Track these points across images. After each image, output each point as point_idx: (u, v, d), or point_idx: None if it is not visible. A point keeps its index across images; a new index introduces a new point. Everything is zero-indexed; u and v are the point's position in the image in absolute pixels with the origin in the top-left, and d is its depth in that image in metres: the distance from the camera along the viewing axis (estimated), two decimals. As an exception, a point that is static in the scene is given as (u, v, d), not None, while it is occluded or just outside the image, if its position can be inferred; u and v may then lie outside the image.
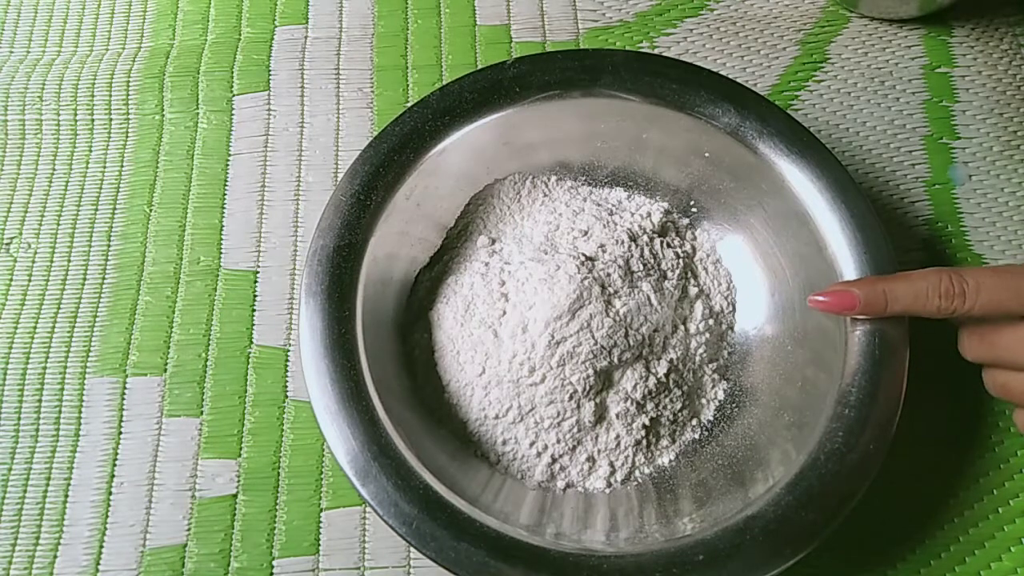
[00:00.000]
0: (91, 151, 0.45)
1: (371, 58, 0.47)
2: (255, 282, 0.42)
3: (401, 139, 0.37)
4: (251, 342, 0.41)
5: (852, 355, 0.34)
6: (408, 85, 0.46)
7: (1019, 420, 0.35)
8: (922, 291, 0.33)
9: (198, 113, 0.46)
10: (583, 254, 0.37)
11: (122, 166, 0.45)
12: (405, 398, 0.36)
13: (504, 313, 0.36)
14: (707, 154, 0.39)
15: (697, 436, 0.37)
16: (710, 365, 0.38)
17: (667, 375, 0.36)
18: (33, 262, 0.43)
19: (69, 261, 0.43)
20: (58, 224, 0.44)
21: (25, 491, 0.38)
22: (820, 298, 0.34)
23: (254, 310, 0.42)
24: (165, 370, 0.40)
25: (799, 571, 0.31)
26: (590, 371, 0.35)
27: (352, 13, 0.48)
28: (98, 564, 0.37)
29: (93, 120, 0.46)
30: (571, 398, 0.35)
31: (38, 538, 0.38)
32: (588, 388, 0.35)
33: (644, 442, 0.36)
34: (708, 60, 0.47)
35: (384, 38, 0.48)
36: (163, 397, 0.40)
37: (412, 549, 0.37)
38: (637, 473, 0.36)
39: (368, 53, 0.47)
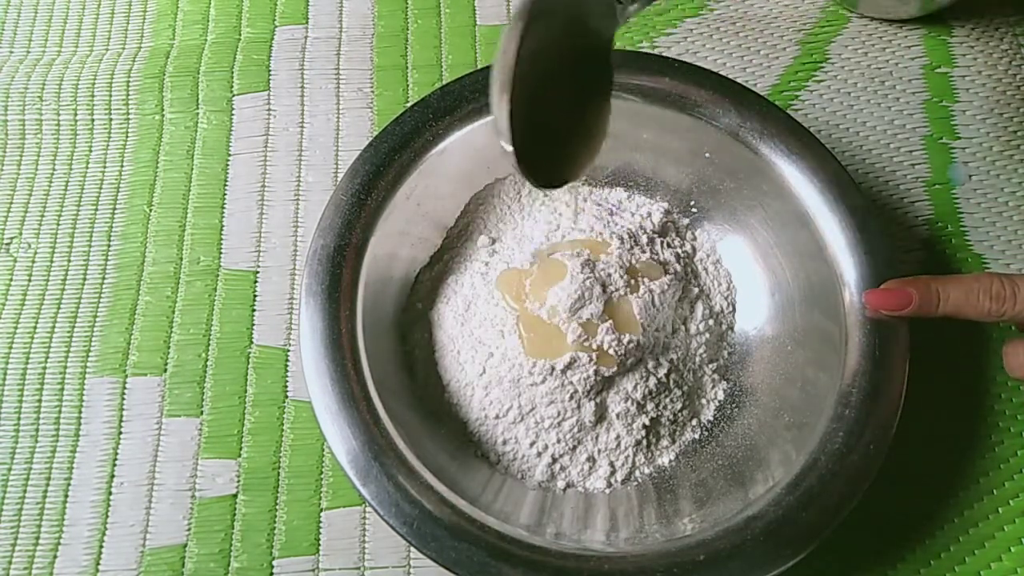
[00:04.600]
0: (91, 151, 0.45)
1: (371, 58, 0.47)
2: (255, 282, 0.42)
3: (401, 139, 0.37)
4: (251, 342, 0.41)
5: (852, 355, 0.34)
6: (408, 85, 0.46)
7: None
8: (973, 292, 0.33)
9: (198, 113, 0.46)
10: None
11: (122, 166, 0.45)
12: (405, 398, 0.36)
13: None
14: (707, 154, 0.39)
15: (697, 436, 0.37)
16: (710, 365, 0.38)
17: (667, 375, 0.36)
18: (33, 262, 0.43)
19: (69, 261, 0.43)
20: (58, 224, 0.44)
21: (25, 491, 0.38)
22: (875, 296, 0.34)
23: (254, 310, 0.42)
24: (165, 370, 0.40)
25: (799, 571, 0.31)
26: (590, 371, 0.35)
27: (352, 13, 0.48)
28: (98, 564, 0.37)
29: (93, 120, 0.46)
30: (571, 398, 0.35)
31: (38, 538, 0.38)
32: (588, 388, 0.35)
33: (644, 442, 0.36)
34: (708, 60, 0.47)
35: (384, 38, 0.48)
36: (163, 397, 0.40)
37: (412, 549, 0.37)
38: (637, 473, 0.36)
39: (368, 53, 0.47)
